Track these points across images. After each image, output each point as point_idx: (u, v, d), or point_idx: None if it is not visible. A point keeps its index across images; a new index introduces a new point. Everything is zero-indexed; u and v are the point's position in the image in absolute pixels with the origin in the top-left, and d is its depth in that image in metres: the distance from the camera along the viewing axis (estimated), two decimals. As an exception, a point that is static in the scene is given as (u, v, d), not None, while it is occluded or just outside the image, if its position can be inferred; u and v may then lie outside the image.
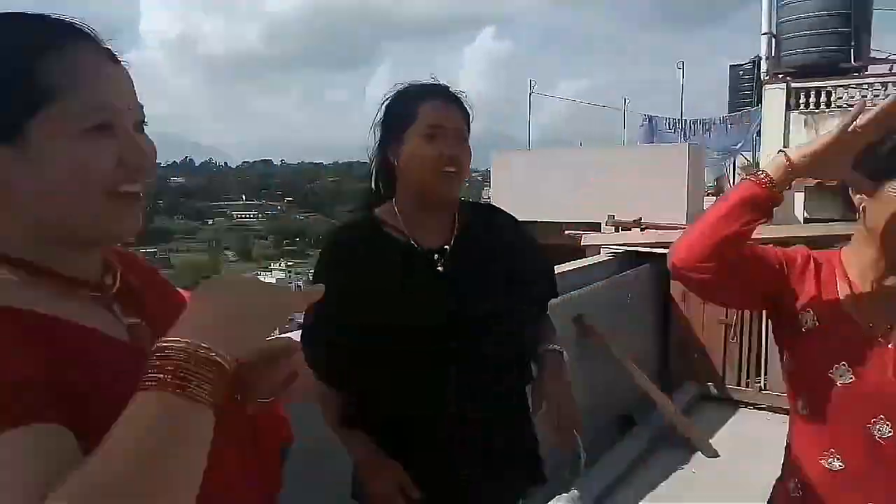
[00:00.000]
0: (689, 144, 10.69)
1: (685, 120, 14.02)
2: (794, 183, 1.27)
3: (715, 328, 5.33)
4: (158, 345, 0.62)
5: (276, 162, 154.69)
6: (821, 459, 1.29)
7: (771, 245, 1.41)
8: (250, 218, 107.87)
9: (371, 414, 1.51)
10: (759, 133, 12.58)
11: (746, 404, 5.06)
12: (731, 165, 15.17)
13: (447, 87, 1.53)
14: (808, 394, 1.33)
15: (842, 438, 1.27)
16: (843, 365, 1.25)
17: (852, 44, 11.87)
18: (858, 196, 1.25)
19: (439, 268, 1.47)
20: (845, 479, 1.26)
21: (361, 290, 1.41)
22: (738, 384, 5.19)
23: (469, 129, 1.52)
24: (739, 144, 13.49)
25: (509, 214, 1.66)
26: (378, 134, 1.56)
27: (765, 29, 12.17)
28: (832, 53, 12.00)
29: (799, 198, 8.21)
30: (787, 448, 1.40)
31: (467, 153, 1.50)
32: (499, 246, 1.54)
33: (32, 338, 0.66)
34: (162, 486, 0.57)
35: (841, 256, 1.34)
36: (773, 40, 12.19)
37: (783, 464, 1.42)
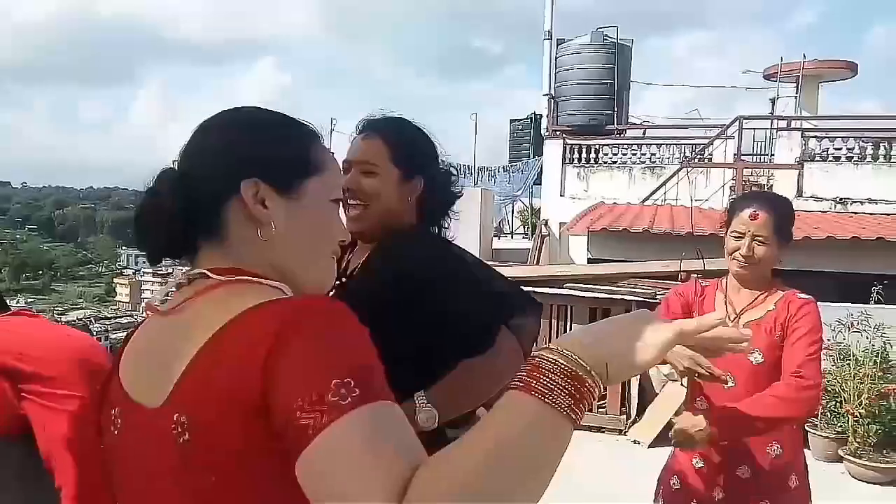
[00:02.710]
0: (482, 189, 11.61)
1: (476, 167, 15.06)
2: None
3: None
4: (538, 352, 0.69)
5: (16, 184, 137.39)
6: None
7: (672, 293, 2.28)
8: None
9: None
10: (536, 182, 13.94)
11: (589, 428, 5.33)
12: (511, 210, 16.59)
13: (368, 121, 1.61)
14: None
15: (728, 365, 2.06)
16: None
17: (615, 109, 13.67)
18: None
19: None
20: (728, 392, 2.08)
21: None
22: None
23: (394, 157, 1.54)
24: (519, 191, 14.80)
25: (428, 248, 1.55)
26: None
27: (545, 91, 13.52)
28: (599, 116, 13.65)
29: (582, 240, 9.28)
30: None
31: (369, 184, 1.53)
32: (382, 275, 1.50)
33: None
34: (514, 480, 0.62)
35: (726, 279, 2.20)
36: (552, 101, 13.65)
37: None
